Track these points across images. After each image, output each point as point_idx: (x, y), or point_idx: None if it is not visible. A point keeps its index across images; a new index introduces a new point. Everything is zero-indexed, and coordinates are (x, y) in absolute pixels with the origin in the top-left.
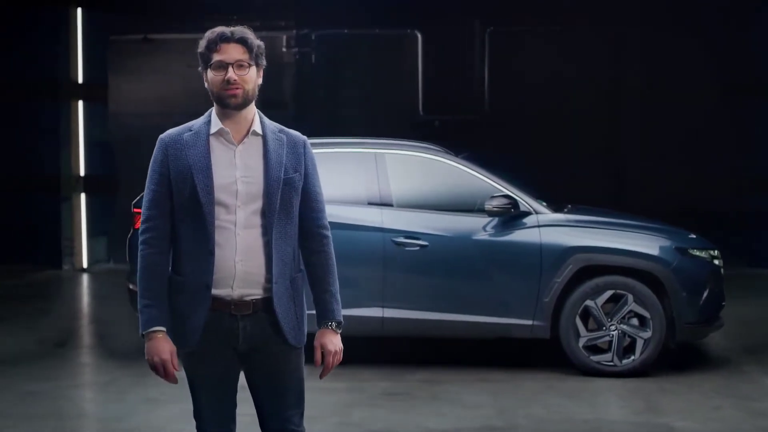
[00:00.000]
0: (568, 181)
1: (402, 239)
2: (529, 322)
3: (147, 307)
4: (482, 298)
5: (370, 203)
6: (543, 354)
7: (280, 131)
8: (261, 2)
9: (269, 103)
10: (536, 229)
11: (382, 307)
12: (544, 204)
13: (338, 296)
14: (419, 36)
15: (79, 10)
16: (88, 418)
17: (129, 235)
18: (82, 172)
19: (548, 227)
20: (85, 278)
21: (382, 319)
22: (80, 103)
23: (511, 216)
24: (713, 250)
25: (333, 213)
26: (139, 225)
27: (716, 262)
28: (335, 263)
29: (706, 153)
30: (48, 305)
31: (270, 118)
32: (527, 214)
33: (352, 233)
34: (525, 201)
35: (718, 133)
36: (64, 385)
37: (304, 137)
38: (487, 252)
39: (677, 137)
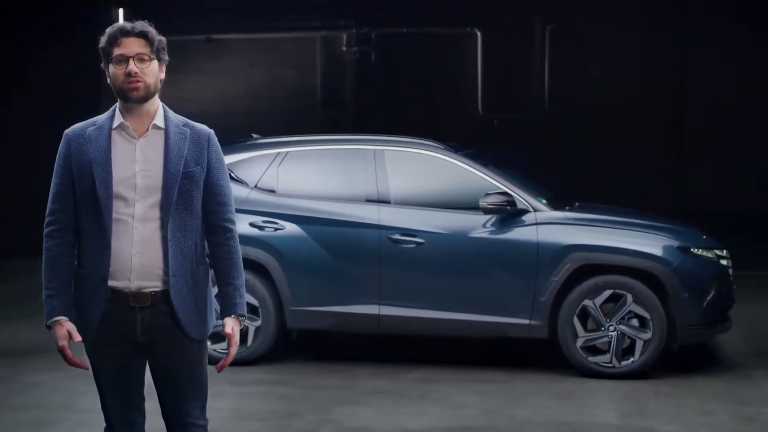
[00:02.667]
0: (629, 179)
1: (398, 236)
2: (526, 322)
3: (49, 298)
4: (479, 297)
5: (368, 200)
6: (543, 354)
7: (185, 125)
8: (320, 2)
9: (329, 102)
10: (534, 227)
11: (378, 304)
12: (544, 201)
13: (242, 290)
14: (479, 34)
15: (121, 11)
16: (72, 410)
17: None
18: None
19: (546, 225)
20: None
21: (378, 317)
22: None
23: (508, 213)
24: (720, 249)
25: (330, 210)
26: None
27: (723, 262)
28: (241, 257)
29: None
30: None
31: (329, 117)
32: (525, 211)
33: (349, 230)
34: (523, 198)
35: None
36: (62, 377)
37: (210, 131)
38: (484, 250)
39: (740, 137)
